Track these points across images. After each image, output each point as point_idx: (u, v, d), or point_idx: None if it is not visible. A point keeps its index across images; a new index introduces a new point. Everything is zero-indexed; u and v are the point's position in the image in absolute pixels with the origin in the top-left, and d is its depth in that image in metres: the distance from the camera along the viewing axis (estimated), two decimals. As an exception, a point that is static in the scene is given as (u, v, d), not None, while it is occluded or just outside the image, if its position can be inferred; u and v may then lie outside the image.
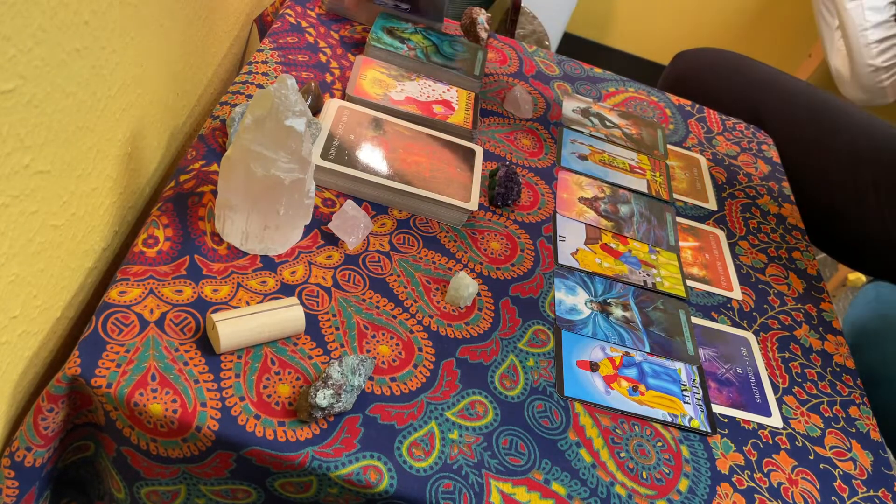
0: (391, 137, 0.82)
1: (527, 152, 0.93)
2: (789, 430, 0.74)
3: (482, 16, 1.04)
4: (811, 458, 0.73)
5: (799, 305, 0.89)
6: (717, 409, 0.73)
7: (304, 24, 0.96)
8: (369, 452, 0.59)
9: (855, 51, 1.75)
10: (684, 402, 0.72)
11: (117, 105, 0.62)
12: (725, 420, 0.73)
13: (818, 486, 0.70)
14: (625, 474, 0.65)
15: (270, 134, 0.62)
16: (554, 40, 2.17)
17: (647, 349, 0.76)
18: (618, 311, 0.78)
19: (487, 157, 0.89)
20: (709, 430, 0.71)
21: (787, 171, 1.15)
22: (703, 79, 1.31)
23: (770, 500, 0.68)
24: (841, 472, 0.73)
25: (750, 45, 2.48)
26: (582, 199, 0.89)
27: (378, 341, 0.67)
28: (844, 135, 1.18)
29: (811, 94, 1.25)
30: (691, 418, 0.71)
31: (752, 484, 0.69)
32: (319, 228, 0.74)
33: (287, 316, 0.63)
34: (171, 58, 0.72)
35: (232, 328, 0.60)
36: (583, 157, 0.96)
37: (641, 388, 0.72)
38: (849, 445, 0.75)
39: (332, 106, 0.82)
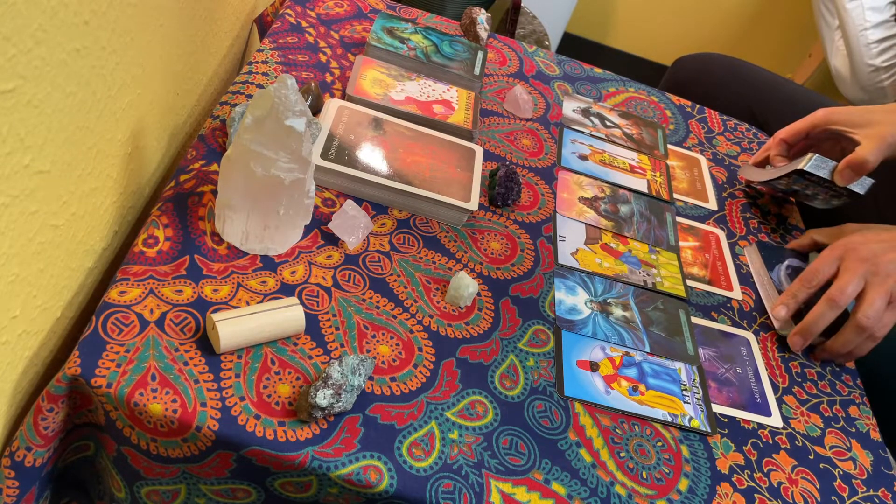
0: (391, 137, 0.82)
1: (527, 152, 0.93)
2: (789, 430, 0.74)
3: (482, 15, 1.04)
4: (811, 457, 0.73)
5: (799, 305, 0.88)
6: (717, 408, 0.73)
7: (304, 24, 0.96)
8: (369, 452, 0.59)
9: (855, 51, 1.75)
10: (684, 402, 0.72)
11: (117, 105, 0.62)
12: (725, 420, 0.73)
13: (818, 486, 0.70)
14: (625, 474, 0.65)
15: (270, 134, 0.62)
16: (554, 40, 2.17)
17: (647, 349, 0.76)
18: (618, 311, 0.78)
19: (487, 157, 0.89)
20: (709, 430, 0.71)
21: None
22: (702, 84, 1.31)
23: (770, 500, 0.68)
24: (841, 472, 0.73)
25: (750, 44, 2.48)
26: (582, 199, 0.90)
27: (378, 341, 0.67)
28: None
29: (810, 99, 1.25)
30: (691, 418, 0.71)
31: (752, 484, 0.69)
32: (319, 228, 0.74)
33: (287, 316, 0.63)
34: (171, 58, 0.72)
35: (232, 328, 0.60)
36: (583, 157, 0.96)
37: (641, 387, 0.72)
38: (849, 445, 0.75)
39: (332, 106, 0.82)
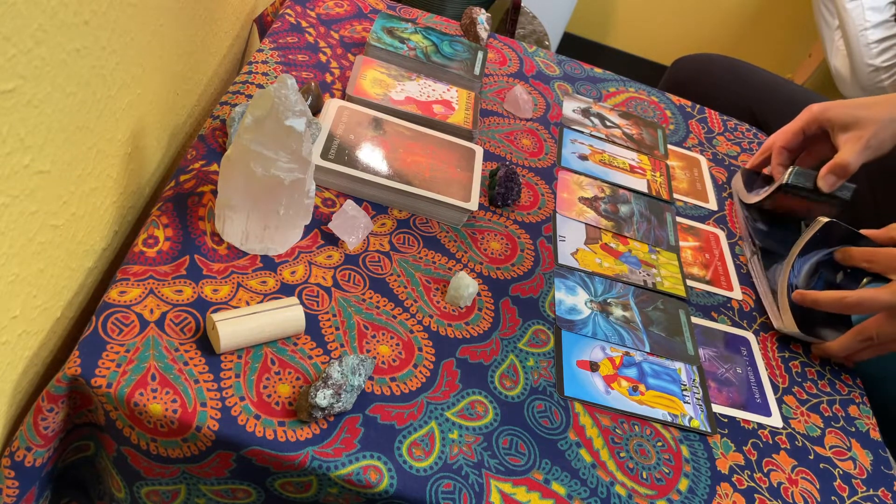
0: (391, 137, 0.82)
1: (527, 152, 0.93)
2: (789, 430, 0.74)
3: (482, 16, 1.04)
4: (811, 457, 0.73)
5: (799, 305, 0.88)
6: (717, 408, 0.73)
7: (304, 24, 0.96)
8: (369, 452, 0.59)
9: (855, 51, 1.75)
10: (684, 402, 0.72)
11: (117, 105, 0.62)
12: (725, 420, 0.73)
13: (818, 486, 0.70)
14: (625, 474, 0.65)
15: (270, 134, 0.62)
16: (554, 40, 2.17)
17: (647, 349, 0.76)
18: (618, 311, 0.78)
19: (487, 157, 0.89)
20: (709, 430, 0.71)
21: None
22: (702, 84, 1.31)
23: (770, 500, 0.68)
24: (841, 472, 0.73)
25: (750, 44, 2.48)
26: (582, 199, 0.90)
27: (378, 341, 0.67)
28: None
29: (810, 100, 1.25)
30: (691, 418, 0.71)
31: (752, 484, 0.69)
32: (319, 228, 0.74)
33: (287, 316, 0.63)
34: (171, 58, 0.72)
35: (232, 328, 0.60)
36: (583, 157, 0.96)
37: (641, 387, 0.72)
38: (848, 445, 0.75)
39: (332, 106, 0.82)
